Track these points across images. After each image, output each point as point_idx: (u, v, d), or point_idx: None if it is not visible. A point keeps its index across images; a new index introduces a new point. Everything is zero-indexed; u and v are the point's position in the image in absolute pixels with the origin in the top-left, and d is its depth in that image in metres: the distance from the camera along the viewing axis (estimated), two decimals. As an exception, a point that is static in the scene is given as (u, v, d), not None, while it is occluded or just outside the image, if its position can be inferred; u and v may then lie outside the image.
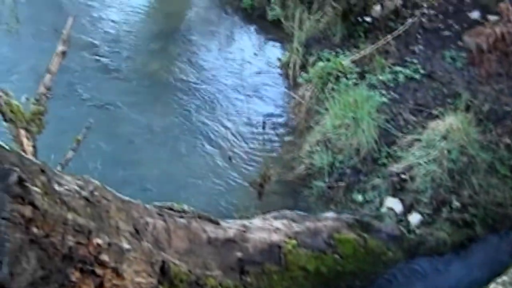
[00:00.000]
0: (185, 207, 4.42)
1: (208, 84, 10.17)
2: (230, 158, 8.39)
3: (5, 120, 4.23)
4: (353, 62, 9.01)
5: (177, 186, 8.07)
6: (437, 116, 7.66)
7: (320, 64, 9.05)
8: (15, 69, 10.24)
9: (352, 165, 7.60)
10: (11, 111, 4.20)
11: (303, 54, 9.92)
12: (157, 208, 4.17)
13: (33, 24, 11.44)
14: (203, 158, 8.61)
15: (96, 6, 12.87)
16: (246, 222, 5.69)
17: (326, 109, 8.21)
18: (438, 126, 7.32)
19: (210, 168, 8.42)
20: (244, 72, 10.51)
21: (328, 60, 9.08)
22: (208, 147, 8.80)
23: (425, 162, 7.02)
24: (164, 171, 8.37)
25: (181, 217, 4.41)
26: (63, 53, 4.78)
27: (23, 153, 3.08)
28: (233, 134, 9.01)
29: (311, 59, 9.62)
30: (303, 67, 9.73)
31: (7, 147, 2.45)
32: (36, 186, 2.49)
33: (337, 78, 8.68)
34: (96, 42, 11.37)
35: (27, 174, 2.42)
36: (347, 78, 8.62)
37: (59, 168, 4.14)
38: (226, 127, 9.16)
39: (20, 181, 2.31)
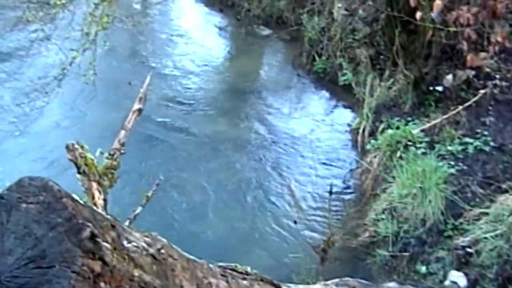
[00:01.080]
0: (248, 269, 4.43)
1: (276, 145, 10.25)
2: (295, 222, 8.39)
3: (79, 173, 4.35)
4: (423, 131, 8.98)
5: (241, 244, 8.12)
6: (506, 190, 7.53)
7: (390, 131, 9.06)
8: (89, 121, 10.53)
9: (417, 235, 7.52)
10: (86, 164, 4.33)
11: (372, 120, 9.94)
12: (221, 268, 4.20)
13: (109, 77, 11.77)
14: (268, 218, 8.65)
15: (171, 61, 13.21)
16: (307, 287, 5.66)
17: (394, 177, 8.18)
18: (506, 201, 7.20)
19: (274, 228, 8.44)
20: (313, 135, 10.56)
21: (398, 128, 9.09)
22: (273, 207, 8.83)
23: (492, 237, 6.89)
24: (228, 228, 8.44)
25: (244, 279, 4.41)
26: (139, 111, 4.93)
27: (94, 207, 3.17)
28: (299, 197, 9.02)
29: (381, 126, 9.62)
30: (372, 134, 9.74)
31: (81, 202, 2.54)
32: (107, 242, 2.55)
33: (406, 147, 8.65)
34: (168, 95, 11.63)
35: (99, 229, 2.49)
36: (416, 147, 8.59)
37: (127, 223, 4.24)
38: (293, 189, 9.19)
39: (92, 237, 2.38)
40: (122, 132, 4.75)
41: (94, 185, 4.27)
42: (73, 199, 2.43)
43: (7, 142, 9.82)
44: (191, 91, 12.00)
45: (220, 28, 15.18)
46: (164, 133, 10.45)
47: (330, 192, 8.87)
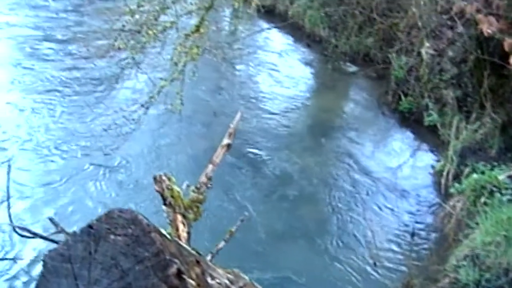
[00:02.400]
0: (325, 310, 4.41)
1: (358, 184, 10.19)
2: (375, 263, 8.29)
3: (165, 204, 4.39)
4: (509, 177, 8.76)
5: (317, 281, 8.06)
6: None
7: (474, 176, 8.87)
8: (175, 152, 10.68)
9: (499, 285, 7.30)
10: (172, 196, 4.37)
11: (457, 163, 9.77)
12: (298, 308, 4.19)
13: (194, 107, 11.96)
14: (347, 257, 8.56)
15: (257, 92, 13.34)
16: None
17: (477, 224, 7.98)
18: None
19: (352, 268, 8.35)
20: (397, 175, 10.46)
21: (483, 172, 8.89)
22: (353, 246, 8.75)
23: None
24: (305, 263, 8.40)
25: (320, 319, 4.39)
26: (228, 146, 4.96)
27: (178, 239, 3.20)
28: (380, 237, 8.92)
29: (465, 170, 9.45)
30: (456, 177, 9.57)
31: (168, 237, 2.57)
32: (192, 278, 2.57)
33: (491, 193, 8.44)
34: (252, 127, 11.71)
35: (185, 265, 2.51)
36: (501, 194, 8.36)
37: (209, 256, 4.26)
38: (373, 229, 9.09)
39: (179, 273, 2.40)
40: (210, 167, 4.79)
41: (179, 217, 4.31)
42: (161, 234, 2.46)
43: (94, 167, 10.03)
44: (275, 123, 12.07)
45: (307, 63, 15.28)
46: (246, 166, 10.49)
47: (412, 235, 8.74)
